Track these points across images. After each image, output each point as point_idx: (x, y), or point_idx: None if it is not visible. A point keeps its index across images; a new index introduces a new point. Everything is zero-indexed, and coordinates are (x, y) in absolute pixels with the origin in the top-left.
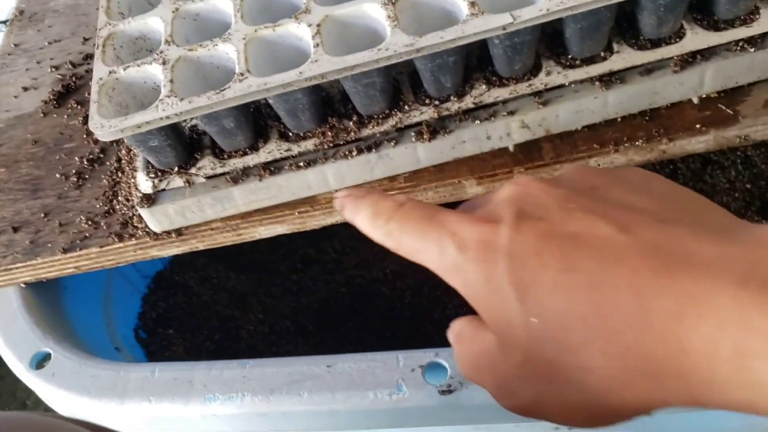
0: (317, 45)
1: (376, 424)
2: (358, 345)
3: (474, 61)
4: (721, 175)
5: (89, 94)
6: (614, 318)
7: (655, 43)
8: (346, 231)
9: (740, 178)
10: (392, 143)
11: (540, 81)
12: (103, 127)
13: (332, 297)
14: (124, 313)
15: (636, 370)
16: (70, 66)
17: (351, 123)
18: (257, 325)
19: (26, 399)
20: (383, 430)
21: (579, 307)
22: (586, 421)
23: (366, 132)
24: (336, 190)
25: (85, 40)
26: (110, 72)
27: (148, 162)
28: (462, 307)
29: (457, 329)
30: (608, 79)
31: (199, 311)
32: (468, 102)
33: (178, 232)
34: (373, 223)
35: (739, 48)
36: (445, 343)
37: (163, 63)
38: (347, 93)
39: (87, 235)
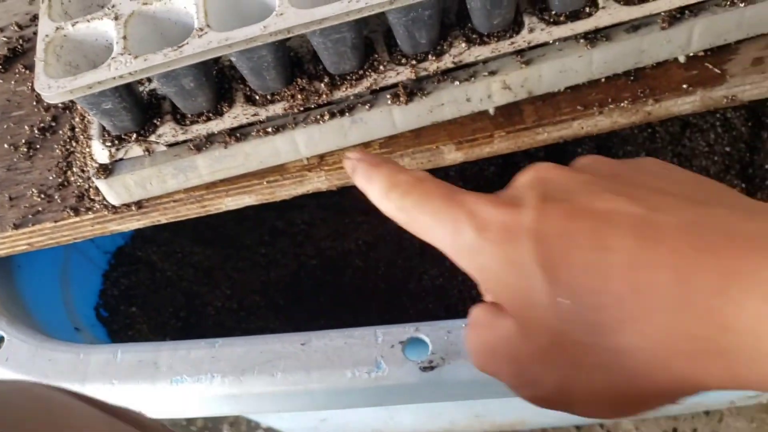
0: None
1: (354, 403)
2: (331, 319)
3: (452, 18)
4: (700, 138)
5: None
6: (653, 297)
7: None
8: (315, 201)
9: (719, 141)
10: (367, 106)
11: (523, 39)
12: (51, 88)
13: (303, 270)
14: (84, 290)
15: (674, 350)
16: (16, 28)
17: (322, 85)
18: (225, 301)
19: None
20: (363, 409)
21: (615, 286)
22: (611, 410)
23: (338, 94)
24: (341, 153)
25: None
26: (57, 28)
27: (104, 129)
28: (438, 278)
29: (472, 316)
30: (593, 37)
31: (164, 287)
32: (447, 61)
33: (139, 204)
34: (388, 195)
35: (728, 3)
36: (422, 317)
37: (116, 18)
38: (316, 50)
39: (40, 209)
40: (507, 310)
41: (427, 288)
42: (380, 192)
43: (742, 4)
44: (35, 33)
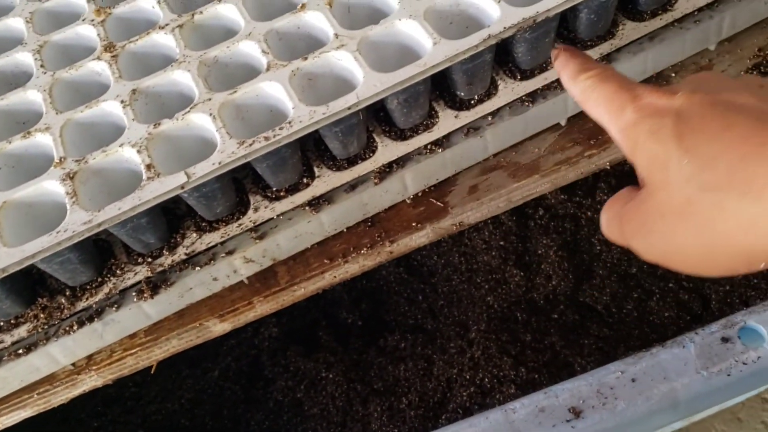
0: None
1: None
2: None
3: (183, 209)
4: (477, 237)
5: None
6: (755, 165)
7: (351, 162)
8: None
9: (493, 237)
10: (114, 307)
11: (249, 219)
12: None
13: None
14: None
15: (762, 213)
16: None
17: (63, 299)
18: None
19: None
20: None
21: (728, 154)
22: (708, 266)
23: (81, 305)
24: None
25: None
26: None
27: None
28: (264, 422)
29: (616, 193)
30: (316, 203)
31: None
32: (180, 253)
33: None
34: (576, 78)
35: (429, 151)
36: None
37: None
38: (49, 272)
39: None
40: (642, 173)
41: (254, 431)
42: (570, 74)
43: (440, 150)
44: None
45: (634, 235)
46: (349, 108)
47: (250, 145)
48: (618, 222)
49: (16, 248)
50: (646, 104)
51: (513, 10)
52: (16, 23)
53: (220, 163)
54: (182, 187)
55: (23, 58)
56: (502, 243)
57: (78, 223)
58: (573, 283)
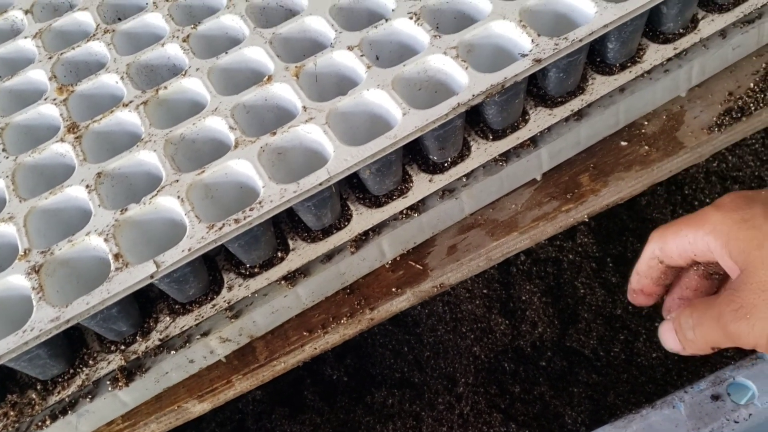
0: None
1: None
2: None
3: (156, 291)
4: (460, 286)
5: None
6: None
7: (327, 232)
8: None
9: (476, 285)
10: (88, 398)
11: (223, 299)
12: None
13: None
14: None
15: None
16: None
17: (34, 394)
18: None
19: None
20: None
21: None
22: None
23: (53, 399)
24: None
25: None
26: None
27: None
28: None
29: (683, 309)
30: (292, 276)
31: None
32: (155, 339)
33: None
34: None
35: (404, 216)
36: None
37: None
38: (19, 370)
39: None
40: (735, 260)
41: None
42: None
43: (416, 214)
44: None
45: (736, 318)
46: (320, 184)
47: (220, 228)
48: (711, 317)
49: None
50: (725, 202)
51: (481, 76)
52: None
53: (189, 249)
54: (152, 277)
55: None
56: (485, 291)
57: (45, 320)
58: (559, 329)
